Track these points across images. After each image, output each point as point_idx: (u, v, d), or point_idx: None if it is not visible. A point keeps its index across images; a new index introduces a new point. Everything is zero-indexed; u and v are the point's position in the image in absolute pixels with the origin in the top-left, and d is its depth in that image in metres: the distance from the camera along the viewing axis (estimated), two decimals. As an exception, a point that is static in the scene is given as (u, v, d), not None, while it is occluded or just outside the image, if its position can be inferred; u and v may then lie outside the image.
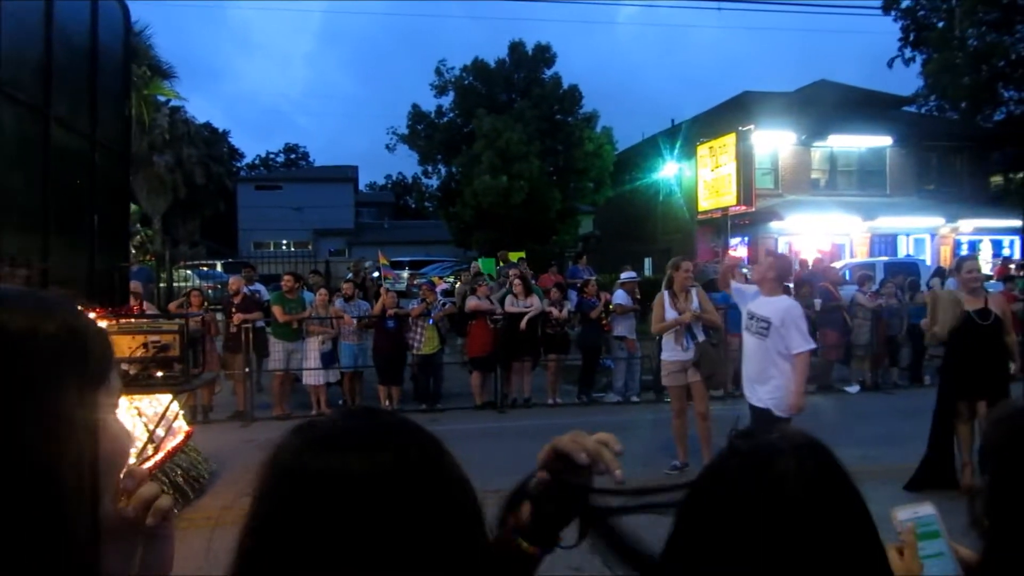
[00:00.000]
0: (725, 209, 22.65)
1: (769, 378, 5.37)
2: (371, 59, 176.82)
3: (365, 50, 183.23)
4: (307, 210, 41.16)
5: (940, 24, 28.13)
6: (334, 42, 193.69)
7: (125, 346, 2.69)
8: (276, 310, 9.91)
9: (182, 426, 2.95)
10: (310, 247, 41.11)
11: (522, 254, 17.37)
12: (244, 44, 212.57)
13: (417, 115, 29.08)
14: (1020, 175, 27.91)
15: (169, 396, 2.88)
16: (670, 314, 6.69)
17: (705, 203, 24.32)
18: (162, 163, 24.83)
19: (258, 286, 12.13)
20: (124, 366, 2.76)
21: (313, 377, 9.98)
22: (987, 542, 0.87)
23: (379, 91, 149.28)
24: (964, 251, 24.18)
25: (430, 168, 30.79)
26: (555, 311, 10.55)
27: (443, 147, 28.58)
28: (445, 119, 29.10)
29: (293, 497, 0.70)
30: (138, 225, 23.28)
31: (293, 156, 65.33)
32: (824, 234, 23.84)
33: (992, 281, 13.49)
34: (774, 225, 23.82)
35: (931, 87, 28.30)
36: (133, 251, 20.28)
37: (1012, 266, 16.67)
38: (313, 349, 9.96)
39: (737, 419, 1.10)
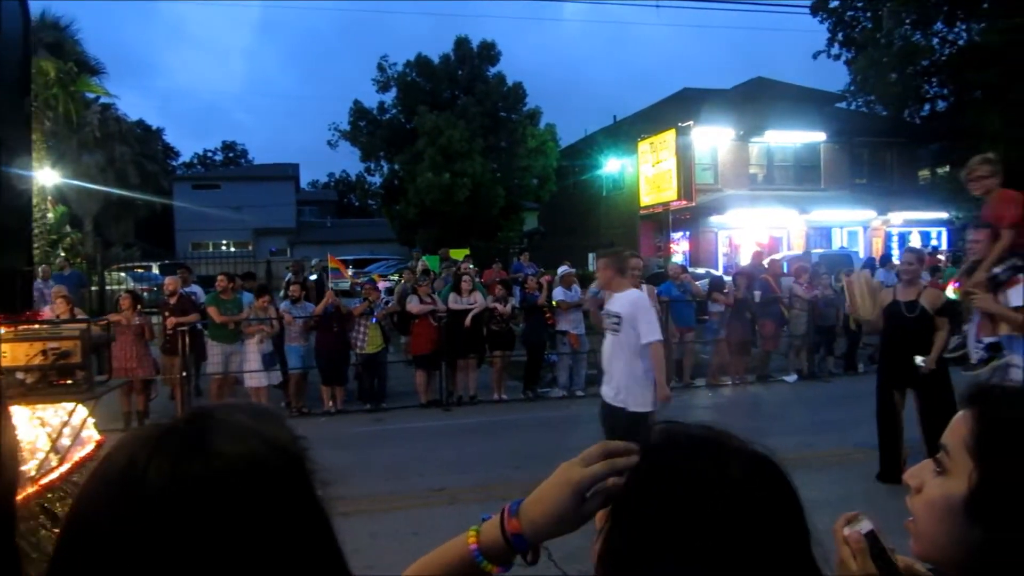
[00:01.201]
0: (666, 204, 22.99)
1: (621, 374, 5.27)
2: (312, 54, 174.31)
3: (305, 44, 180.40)
4: (247, 209, 40.28)
5: (867, 24, 29.08)
6: (273, 36, 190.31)
7: (22, 354, 2.56)
8: (212, 311, 9.65)
9: (92, 435, 2.83)
10: (250, 247, 40.29)
11: (466, 251, 17.33)
12: (178, 38, 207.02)
13: (359, 111, 28.73)
14: (946, 169, 29.01)
15: (72, 404, 2.76)
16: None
17: (647, 198, 24.64)
18: (92, 162, 23.98)
19: (195, 288, 11.80)
20: (20, 375, 2.63)
21: (254, 380, 9.75)
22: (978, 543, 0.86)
23: (320, 87, 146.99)
24: (895, 243, 25.06)
25: (373, 165, 30.52)
26: (499, 307, 10.53)
27: (386, 144, 28.31)
28: (388, 116, 28.83)
29: (118, 504, 0.65)
30: (67, 227, 22.42)
31: (232, 154, 63.91)
32: (762, 227, 24.40)
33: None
34: (714, 219, 24.28)
35: (859, 85, 29.26)
36: (63, 254, 19.56)
37: (940, 257, 17.28)
38: (253, 351, 9.73)
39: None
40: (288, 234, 41.88)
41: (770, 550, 0.77)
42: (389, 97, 28.81)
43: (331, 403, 9.98)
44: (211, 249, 40.20)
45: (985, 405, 0.92)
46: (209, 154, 63.76)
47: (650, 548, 0.78)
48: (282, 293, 11.39)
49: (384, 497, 6.12)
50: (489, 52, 28.11)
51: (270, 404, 9.48)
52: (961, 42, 27.78)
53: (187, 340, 9.63)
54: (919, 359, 5.88)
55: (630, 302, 5.21)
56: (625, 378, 5.16)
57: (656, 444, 0.87)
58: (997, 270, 4.99)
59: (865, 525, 1.03)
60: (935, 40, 29.01)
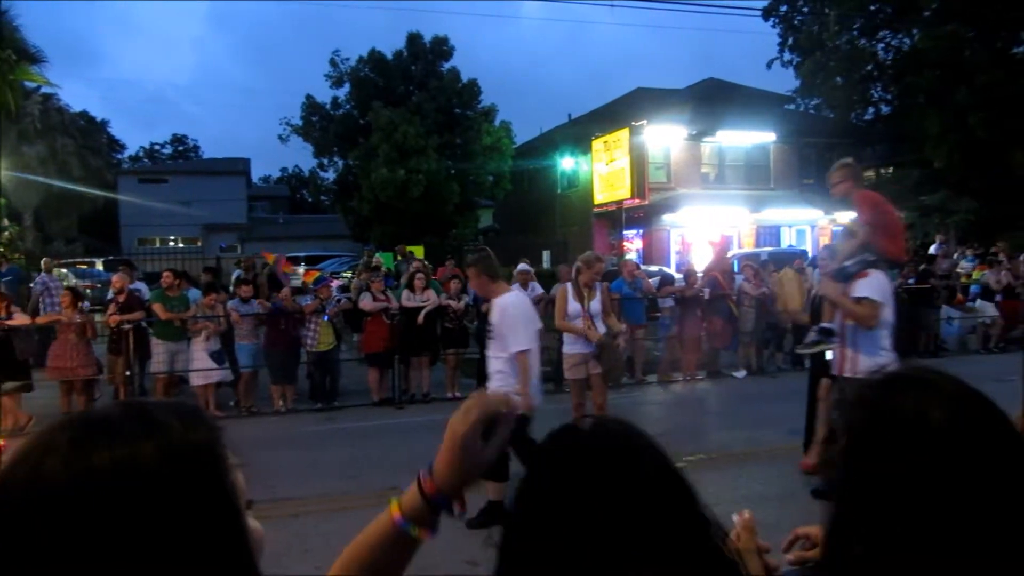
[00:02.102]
0: (620, 202, 23.20)
1: (497, 382, 5.25)
2: (264, 46, 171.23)
3: (257, 36, 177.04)
4: (196, 205, 39.39)
5: (815, 28, 29.79)
6: (224, 26, 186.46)
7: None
8: (157, 308, 9.40)
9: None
10: (199, 243, 39.45)
11: (420, 249, 17.23)
12: (124, 26, 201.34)
13: (312, 106, 28.36)
14: (890, 170, 29.88)
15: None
16: (572, 306, 6.70)
17: (600, 196, 24.83)
18: (33, 154, 23.17)
19: (138, 284, 11.48)
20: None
21: (201, 378, 9.54)
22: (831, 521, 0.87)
23: (272, 80, 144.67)
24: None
25: (326, 161, 30.17)
26: (453, 304, 10.49)
27: (339, 139, 28.00)
28: (341, 111, 28.52)
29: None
30: (5, 221, 21.60)
31: (181, 148, 62.44)
32: (714, 226, 24.80)
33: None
34: (667, 218, 24.58)
35: (807, 88, 29.97)
36: (0, 249, 18.84)
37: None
38: (200, 349, 9.52)
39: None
40: (239, 230, 41.09)
41: (666, 543, 0.78)
42: (342, 92, 28.54)
43: (281, 402, 9.82)
44: (158, 245, 39.25)
45: (847, 399, 0.95)
46: (157, 147, 62.24)
47: (546, 546, 0.79)
48: (231, 290, 11.16)
49: (336, 497, 6.04)
50: (442, 48, 28.00)
51: (186, 399, 9.32)
52: (905, 48, 28.61)
53: (131, 338, 9.38)
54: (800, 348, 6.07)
55: (500, 309, 5.19)
56: (500, 385, 5.17)
57: (553, 443, 0.89)
58: (848, 263, 5.17)
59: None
60: (879, 46, 29.87)
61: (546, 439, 0.90)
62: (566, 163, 27.65)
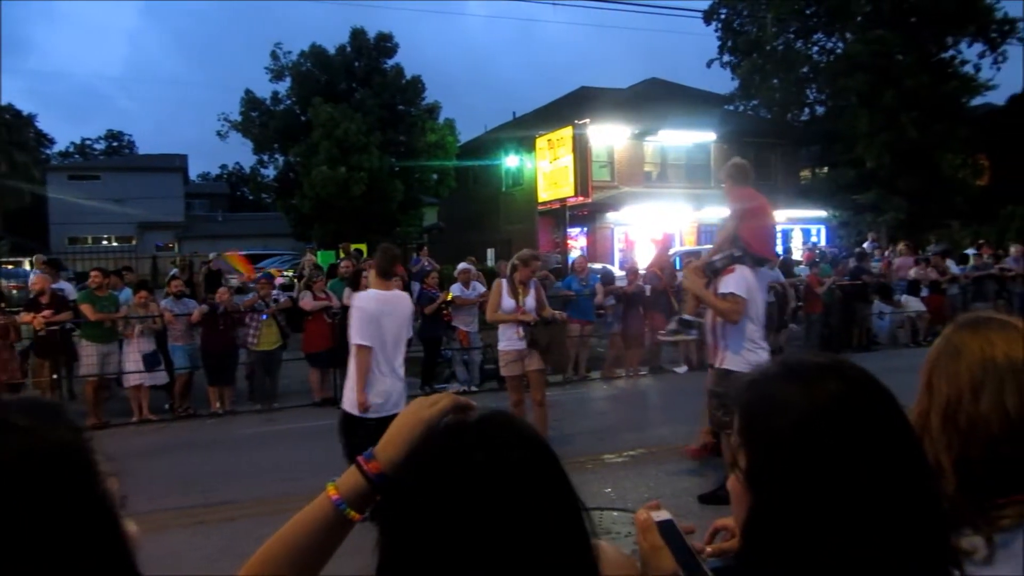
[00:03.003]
0: (563, 200, 23.33)
1: (391, 374, 5.25)
2: (201, 39, 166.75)
3: (194, 28, 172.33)
4: (131, 202, 38.20)
5: (752, 30, 30.51)
6: (159, 18, 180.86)
7: None
8: (86, 309, 9.05)
9: None
10: (134, 242, 38.28)
11: (363, 246, 17.04)
12: (53, 15, 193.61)
13: (251, 101, 27.76)
14: (824, 170, 30.77)
15: None
16: (506, 302, 6.68)
17: (544, 194, 24.94)
18: (-48, 149, 22.13)
19: (63, 284, 11.02)
20: None
21: (133, 380, 9.23)
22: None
23: (210, 74, 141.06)
24: (779, 240, 26.34)
25: (266, 158, 29.56)
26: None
27: (280, 136, 27.47)
28: (282, 106, 27.99)
29: None
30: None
31: (115, 144, 60.41)
32: (657, 224, 25.14)
33: (800, 266, 14.76)
34: (610, 216, 24.83)
35: (745, 89, 30.68)
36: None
37: (818, 252, 18.29)
38: (133, 351, 9.21)
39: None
40: (176, 228, 40.02)
41: (537, 532, 0.79)
42: (283, 87, 28.00)
43: (219, 404, 9.58)
44: (90, 244, 37.95)
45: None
46: (89, 143, 60.09)
47: (413, 542, 0.80)
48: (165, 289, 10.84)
49: (274, 500, 5.90)
50: (386, 44, 27.73)
51: (49, 398, 9.04)
52: (838, 51, 29.51)
53: (58, 341, 9.03)
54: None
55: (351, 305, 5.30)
56: (403, 385, 5.30)
57: (442, 430, 0.90)
58: (715, 258, 5.28)
59: (662, 515, 1.11)
60: (814, 49, 30.74)
61: (431, 435, 0.91)
62: (510, 161, 27.68)
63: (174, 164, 44.73)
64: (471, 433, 0.87)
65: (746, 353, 5.02)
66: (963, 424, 1.10)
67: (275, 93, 28.03)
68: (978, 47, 28.31)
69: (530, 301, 6.65)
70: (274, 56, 27.50)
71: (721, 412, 5.12)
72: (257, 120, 27.83)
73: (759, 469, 0.85)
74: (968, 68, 28.17)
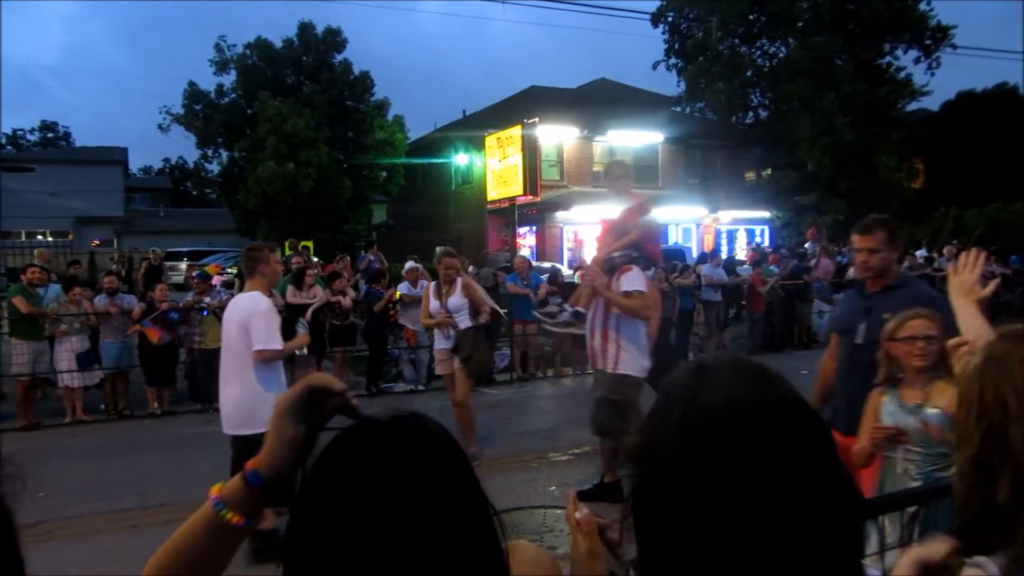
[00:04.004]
0: (513, 199, 23.37)
1: (225, 384, 4.79)
2: (142, 27, 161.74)
3: (135, 17, 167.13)
4: (67, 196, 36.86)
5: (699, 35, 31.02)
6: (98, 3, 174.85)
7: None
8: (18, 302, 8.71)
9: None
10: (71, 237, 37.00)
11: (310, 243, 16.80)
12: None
13: (194, 94, 27.11)
14: (768, 172, 31.46)
15: None
16: (433, 304, 6.70)
17: (493, 193, 24.94)
18: None
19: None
20: None
21: (66, 380, 8.93)
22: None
23: (151, 65, 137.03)
24: (724, 240, 26.88)
25: (210, 152, 28.91)
26: (341, 300, 10.28)
27: (224, 130, 26.89)
28: (226, 99, 27.38)
29: None
30: None
31: (51, 135, 58.29)
32: (604, 224, 25.31)
33: (744, 266, 15.06)
34: (560, 215, 24.95)
35: (691, 91, 31.17)
36: None
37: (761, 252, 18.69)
38: (66, 349, 8.90)
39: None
40: (115, 223, 38.77)
41: (439, 532, 0.79)
42: (228, 80, 27.40)
43: (156, 404, 9.34)
44: (24, 239, 36.55)
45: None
46: (21, 133, 57.87)
47: (328, 532, 0.80)
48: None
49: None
50: (334, 39, 27.38)
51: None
52: (781, 56, 30.19)
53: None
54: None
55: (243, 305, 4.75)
56: (236, 398, 4.69)
57: (349, 430, 0.89)
58: (616, 255, 5.36)
59: (582, 510, 1.12)
60: (758, 54, 31.39)
61: (338, 435, 0.89)
62: (460, 159, 27.60)
63: (113, 157, 43.34)
64: (376, 433, 0.86)
65: (641, 357, 5.03)
66: None
67: (219, 86, 27.43)
68: (913, 54, 29.34)
69: (454, 300, 6.59)
70: (218, 49, 26.91)
71: (615, 419, 5.05)
72: (200, 113, 27.20)
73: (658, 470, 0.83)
74: (903, 74, 29.16)
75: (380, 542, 0.77)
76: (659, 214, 27.42)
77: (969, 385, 1.14)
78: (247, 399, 4.63)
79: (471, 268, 12.84)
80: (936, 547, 1.20)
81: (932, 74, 29.31)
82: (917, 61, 29.33)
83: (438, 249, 7.10)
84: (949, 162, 28.45)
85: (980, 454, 1.09)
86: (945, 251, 16.30)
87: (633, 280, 5.12)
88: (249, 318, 4.61)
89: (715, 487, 0.73)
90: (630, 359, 5.09)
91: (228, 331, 4.78)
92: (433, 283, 6.86)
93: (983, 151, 27.43)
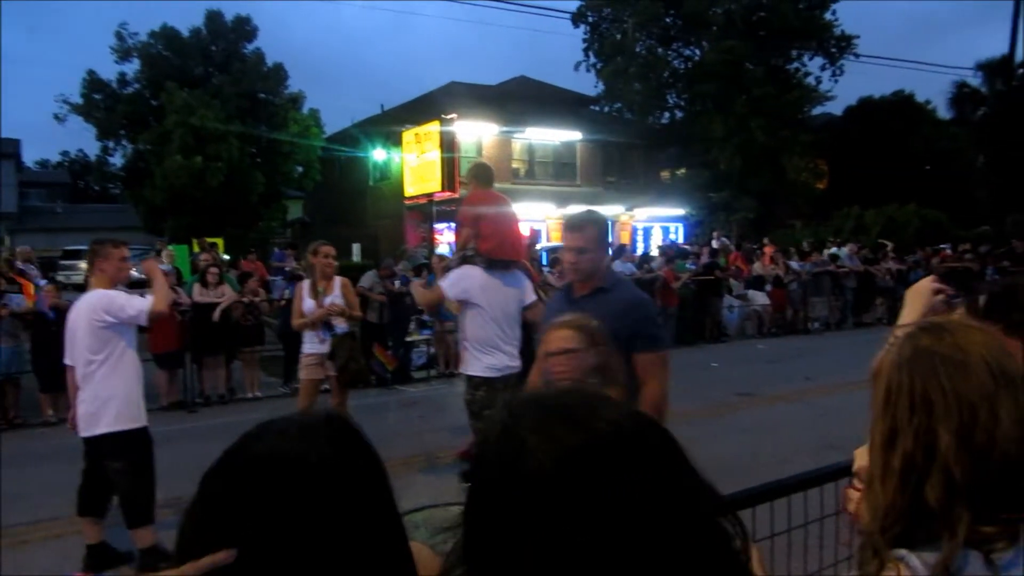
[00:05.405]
0: (430, 195, 23.17)
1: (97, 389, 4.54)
2: (35, 8, 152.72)
3: None
4: (-48, 190, 34.52)
5: (618, 36, 31.56)
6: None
7: None
8: None
9: None
10: (-43, 234, 34.62)
11: (219, 240, 16.21)
12: None
13: (94, 83, 25.74)
14: (682, 171, 32.28)
15: None
16: (307, 304, 6.24)
17: (411, 189, 24.66)
18: None
19: None
20: None
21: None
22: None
23: (47, 49, 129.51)
24: (640, 237, 27.41)
25: (112, 145, 27.52)
26: (251, 298, 9.95)
27: (127, 121, 25.65)
28: (129, 89, 26.12)
29: None
30: None
31: (-68, 124, 54.41)
32: (524, 220, 25.41)
33: (656, 261, 15.36)
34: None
35: (609, 91, 31.68)
36: None
37: (675, 249, 19.12)
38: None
39: None
40: (7, 220, 36.50)
41: (343, 531, 0.79)
42: (131, 69, 26.13)
43: (51, 411, 8.80)
44: (-98, 235, 33.97)
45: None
46: (-100, 123, 53.81)
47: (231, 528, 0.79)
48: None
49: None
50: (245, 28, 26.48)
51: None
52: (695, 58, 31.03)
53: None
54: None
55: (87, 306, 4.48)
56: (97, 396, 4.50)
57: (259, 427, 0.89)
58: (465, 252, 5.38)
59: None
60: (674, 56, 32.17)
61: (247, 433, 0.89)
62: (377, 154, 27.19)
63: (5, 150, 40.76)
64: (282, 431, 0.86)
65: (481, 356, 4.94)
66: (980, 440, 1.03)
67: (122, 75, 26.13)
68: (819, 61, 30.69)
69: (332, 300, 6.21)
70: (119, 37, 25.62)
71: (473, 420, 4.98)
72: (101, 104, 25.86)
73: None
74: (810, 80, 30.47)
75: (277, 543, 0.77)
76: (577, 211, 27.79)
77: (898, 378, 1.12)
78: (98, 401, 4.50)
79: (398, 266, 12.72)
80: None
81: (836, 80, 30.79)
82: (823, 68, 30.71)
83: (315, 243, 6.68)
84: (851, 164, 29.86)
85: (910, 454, 1.08)
86: (846, 249, 17.05)
87: (446, 277, 5.11)
88: (108, 308, 4.37)
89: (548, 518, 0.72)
90: (470, 359, 4.98)
91: (77, 334, 4.48)
92: (306, 281, 6.41)
93: (882, 154, 28.91)
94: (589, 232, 3.23)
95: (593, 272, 3.23)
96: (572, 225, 3.31)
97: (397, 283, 11.57)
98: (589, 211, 3.46)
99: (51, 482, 6.37)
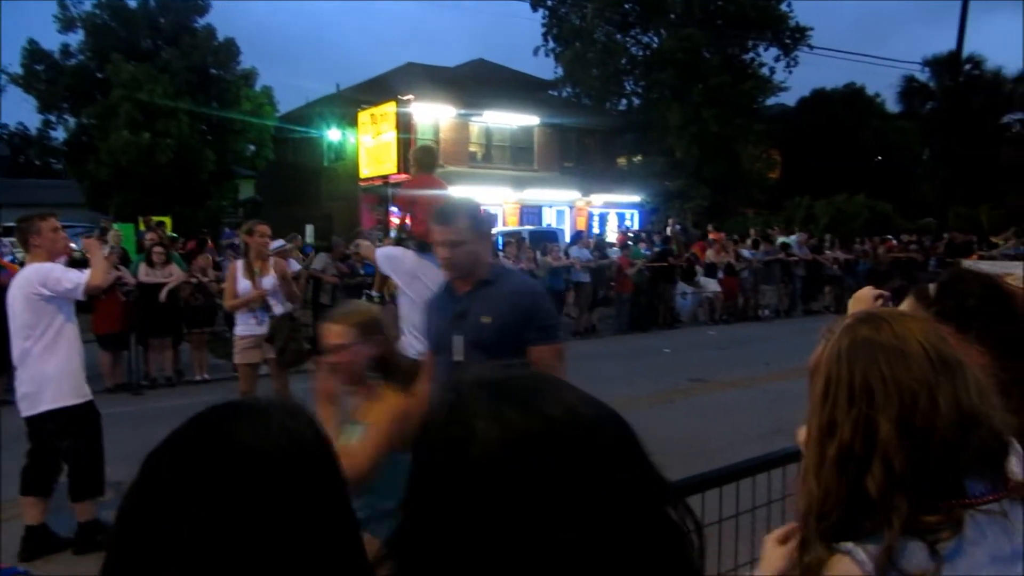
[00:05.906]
0: (386, 177, 22.94)
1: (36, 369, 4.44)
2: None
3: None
4: None
5: (577, 21, 31.53)
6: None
7: None
8: None
9: None
10: None
11: (167, 219, 15.79)
12: None
13: (35, 53, 24.69)
14: (639, 157, 32.48)
15: None
16: (242, 284, 6.06)
17: (366, 170, 24.37)
18: None
19: None
20: None
21: None
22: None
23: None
24: (596, 222, 27.54)
25: (54, 118, 26.51)
26: (200, 278, 9.71)
27: (71, 94, 24.70)
28: (73, 61, 25.14)
29: None
30: None
31: None
32: (480, 204, 25.29)
33: (613, 248, 15.48)
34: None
35: (567, 76, 31.68)
36: None
37: (631, 235, 19.27)
38: None
39: None
40: (-58, 194, 35.03)
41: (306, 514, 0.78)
42: (75, 39, 25.15)
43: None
44: None
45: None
46: None
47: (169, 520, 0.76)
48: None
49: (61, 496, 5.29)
50: (196, 1, 25.68)
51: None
52: (654, 46, 31.16)
53: None
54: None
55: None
56: (37, 374, 4.41)
57: (208, 411, 0.87)
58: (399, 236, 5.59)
59: None
60: (632, 43, 32.26)
61: (195, 416, 0.86)
62: (332, 135, 26.76)
63: (-60, 120, 39.07)
64: (232, 414, 0.84)
65: (414, 340, 4.74)
66: (920, 427, 1.04)
67: (65, 46, 25.12)
68: (774, 52, 31.09)
69: (268, 281, 6.06)
70: (62, 5, 24.61)
71: None
72: (43, 75, 24.86)
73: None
74: (765, 70, 30.86)
75: (215, 530, 0.75)
76: (534, 195, 27.66)
77: (837, 369, 1.12)
78: (38, 379, 4.42)
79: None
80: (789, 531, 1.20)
81: (790, 71, 31.24)
82: (777, 59, 31.12)
83: (250, 223, 6.47)
84: (803, 154, 30.41)
85: (849, 444, 1.08)
86: (796, 237, 17.39)
87: (381, 249, 5.25)
88: (44, 281, 4.29)
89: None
90: (405, 342, 4.78)
91: (14, 310, 4.37)
92: (240, 261, 6.22)
93: (833, 145, 29.51)
94: (462, 222, 2.90)
95: (472, 266, 2.91)
96: (442, 217, 2.95)
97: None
98: (461, 199, 3.33)
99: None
